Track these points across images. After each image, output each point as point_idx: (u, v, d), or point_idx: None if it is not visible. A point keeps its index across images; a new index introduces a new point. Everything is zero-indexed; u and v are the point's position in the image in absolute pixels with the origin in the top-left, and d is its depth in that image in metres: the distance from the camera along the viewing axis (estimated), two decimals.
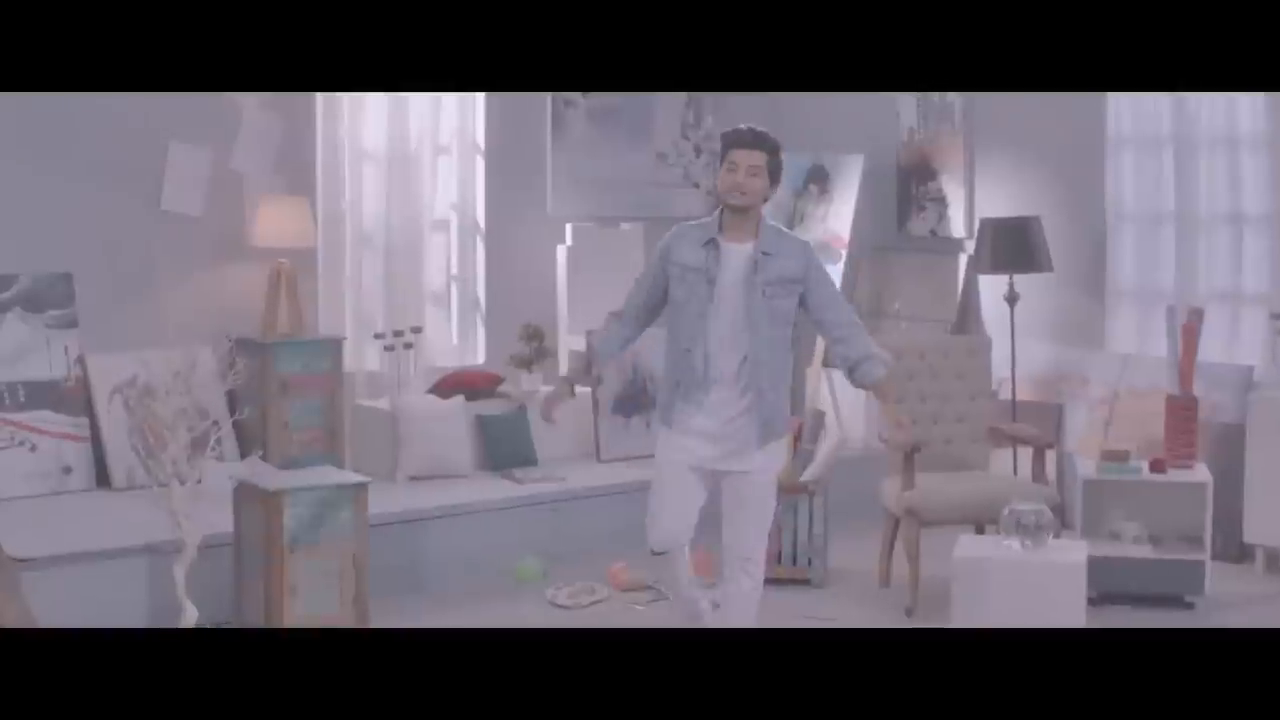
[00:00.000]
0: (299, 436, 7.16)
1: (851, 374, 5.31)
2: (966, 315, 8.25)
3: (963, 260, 8.38)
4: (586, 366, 5.72)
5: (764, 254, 5.16)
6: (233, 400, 7.21)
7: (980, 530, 6.87)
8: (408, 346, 7.91)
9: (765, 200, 5.21)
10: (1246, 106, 7.35)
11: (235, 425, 6.96)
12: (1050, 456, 7.03)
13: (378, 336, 7.89)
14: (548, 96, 8.47)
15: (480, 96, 8.23)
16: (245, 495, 6.18)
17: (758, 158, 5.14)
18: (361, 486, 6.22)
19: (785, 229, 5.43)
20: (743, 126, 5.23)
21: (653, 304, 5.40)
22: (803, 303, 5.24)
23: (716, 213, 5.26)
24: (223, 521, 6.17)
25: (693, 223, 5.34)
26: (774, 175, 5.20)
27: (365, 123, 7.88)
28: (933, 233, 8.62)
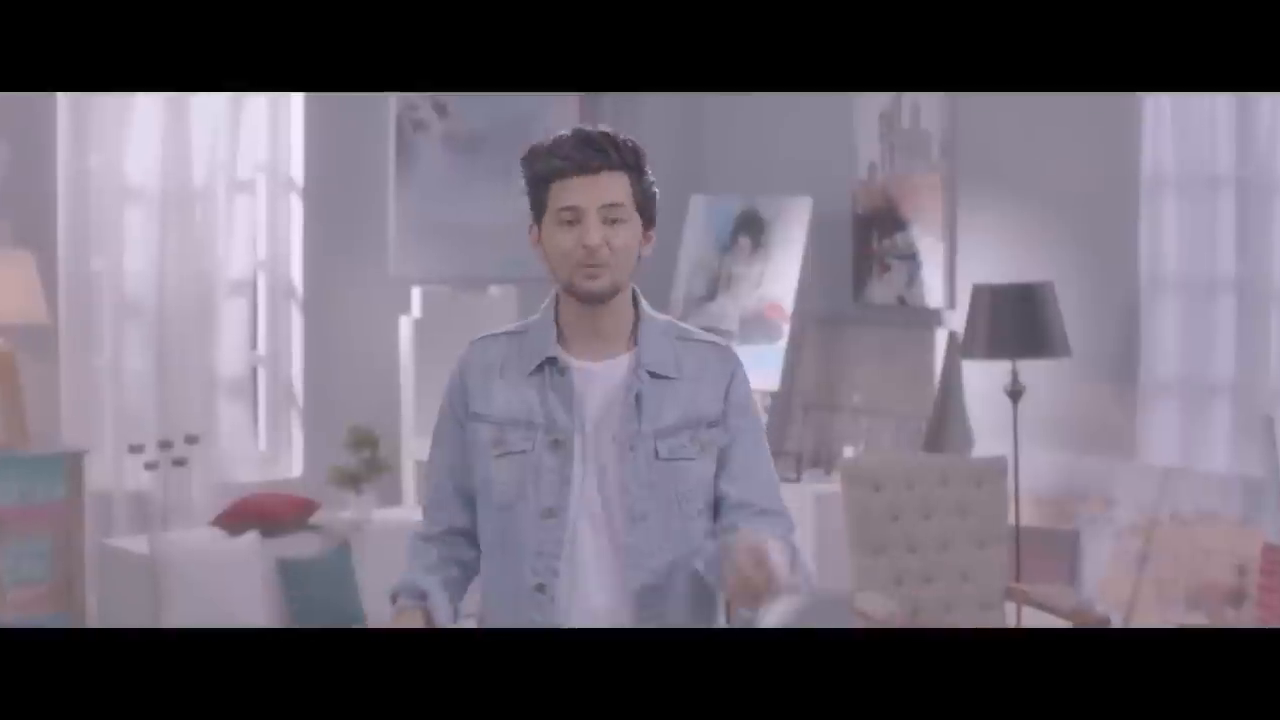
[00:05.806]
0: (16, 594, 6.21)
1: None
2: (947, 412, 7.06)
3: (940, 337, 7.30)
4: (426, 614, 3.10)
5: (651, 375, 2.93)
6: None
7: None
8: (178, 463, 6.46)
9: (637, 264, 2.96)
10: None
11: None
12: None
13: (134, 450, 6.48)
14: (390, 117, 7.41)
15: (297, 115, 7.20)
16: None
17: (615, 185, 2.84)
18: None
19: (683, 324, 3.09)
20: (565, 133, 2.89)
21: (473, 490, 3.02)
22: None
23: (547, 304, 2.99)
24: None
25: (498, 331, 3.04)
26: (647, 213, 2.91)
27: (128, 148, 6.73)
28: (901, 300, 7.55)
